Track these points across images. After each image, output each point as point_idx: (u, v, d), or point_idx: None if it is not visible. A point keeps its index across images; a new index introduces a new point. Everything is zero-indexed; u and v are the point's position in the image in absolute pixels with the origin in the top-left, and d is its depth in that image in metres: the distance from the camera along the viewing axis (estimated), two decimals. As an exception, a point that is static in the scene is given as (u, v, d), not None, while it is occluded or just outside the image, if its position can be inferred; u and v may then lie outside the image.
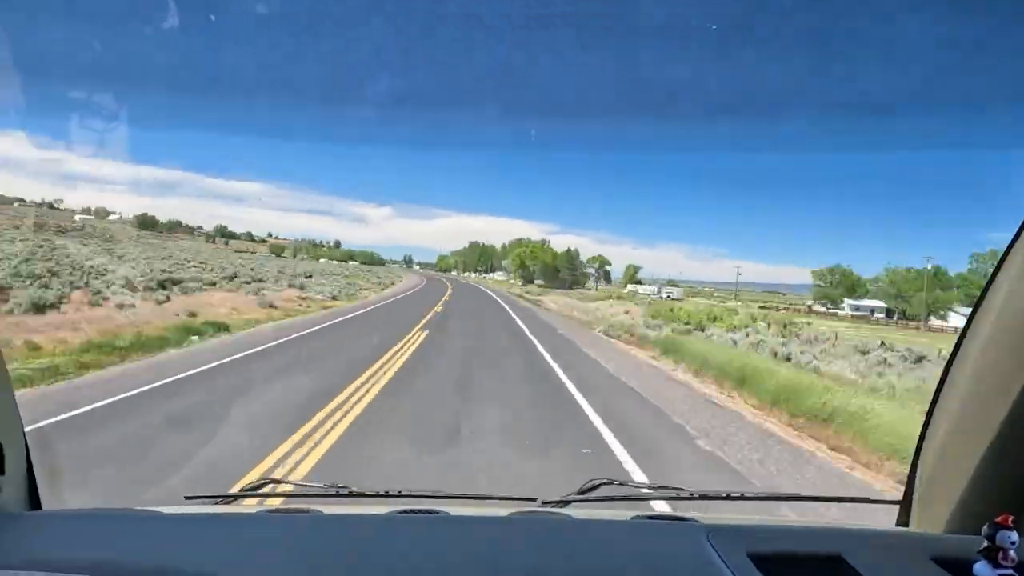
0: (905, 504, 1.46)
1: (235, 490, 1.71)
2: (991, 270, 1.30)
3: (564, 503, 1.61)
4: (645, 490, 1.74)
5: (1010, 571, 1.00)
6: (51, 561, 1.04)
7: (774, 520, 1.50)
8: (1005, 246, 1.29)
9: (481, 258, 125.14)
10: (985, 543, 1.02)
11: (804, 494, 1.74)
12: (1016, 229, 1.25)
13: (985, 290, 1.31)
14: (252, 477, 4.59)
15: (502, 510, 1.50)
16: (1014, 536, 1.00)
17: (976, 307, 1.32)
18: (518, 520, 1.41)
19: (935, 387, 1.41)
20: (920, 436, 1.43)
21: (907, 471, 1.47)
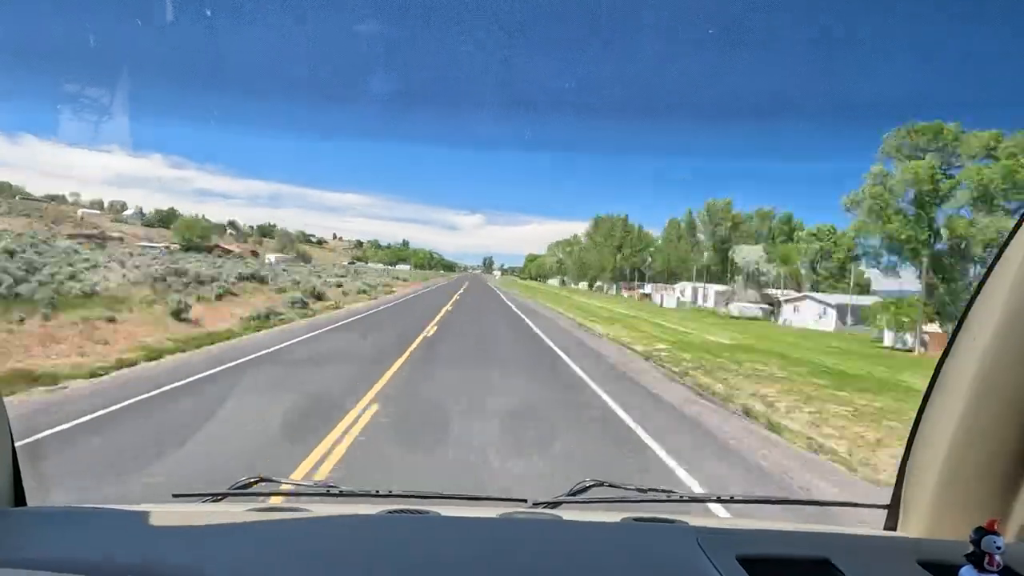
0: (893, 508, 1.47)
1: (224, 489, 1.69)
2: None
3: (555, 504, 1.61)
4: (635, 492, 1.74)
5: (996, 575, 1.01)
6: (35, 559, 1.03)
7: (763, 523, 1.51)
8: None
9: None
10: (971, 548, 1.03)
11: (794, 498, 1.75)
12: (1008, 232, 1.26)
13: (974, 296, 1.32)
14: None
15: (493, 511, 1.50)
16: (1000, 541, 1.00)
17: (966, 312, 1.33)
18: (508, 521, 1.41)
19: (923, 392, 1.42)
20: (908, 440, 1.44)
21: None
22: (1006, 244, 1.26)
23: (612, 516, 1.51)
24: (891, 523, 1.47)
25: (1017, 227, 1.24)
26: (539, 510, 1.56)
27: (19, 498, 1.35)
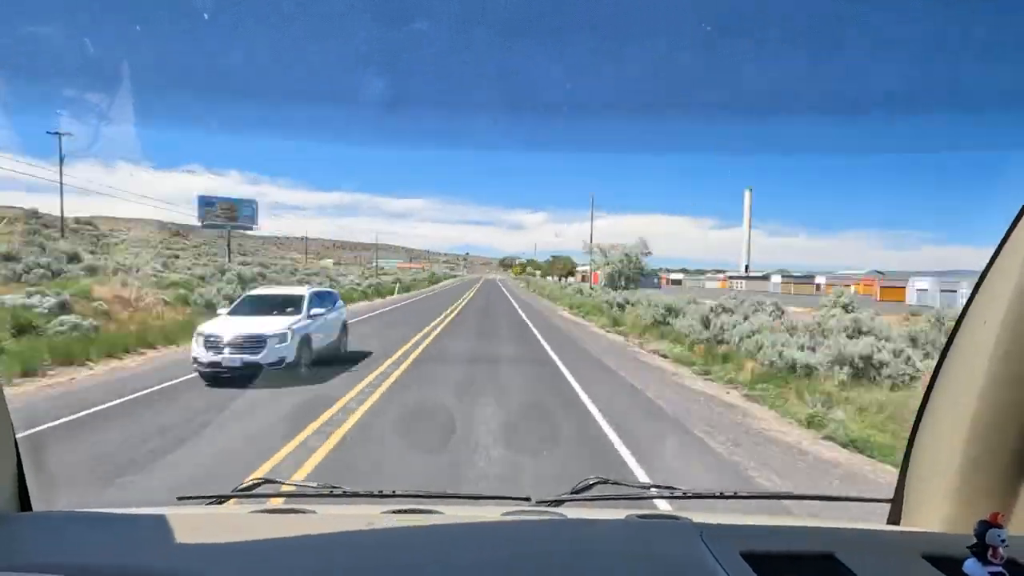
0: (896, 502, 1.47)
1: (228, 491, 1.70)
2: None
3: (558, 503, 1.61)
4: (638, 489, 1.74)
5: (999, 568, 1.00)
6: (40, 564, 1.04)
7: (767, 519, 1.51)
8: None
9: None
10: (975, 540, 1.03)
11: (797, 493, 1.75)
12: (1008, 225, 1.25)
13: (976, 288, 1.32)
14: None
15: (496, 510, 1.50)
16: (1003, 534, 1.00)
17: (968, 304, 1.33)
18: (512, 520, 1.41)
19: (926, 386, 1.42)
20: (911, 434, 1.44)
21: None
22: (1009, 233, 1.26)
23: (615, 513, 1.52)
24: (895, 517, 1.47)
25: (1019, 217, 1.24)
26: (542, 508, 1.56)
27: (24, 503, 1.35)
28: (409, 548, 1.19)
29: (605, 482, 1.69)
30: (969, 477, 1.27)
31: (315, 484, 1.70)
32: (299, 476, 5.21)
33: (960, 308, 1.37)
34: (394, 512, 1.44)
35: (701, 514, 1.49)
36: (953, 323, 1.38)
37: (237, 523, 1.37)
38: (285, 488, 1.79)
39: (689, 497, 1.66)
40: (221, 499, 1.66)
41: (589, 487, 1.66)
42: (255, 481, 1.71)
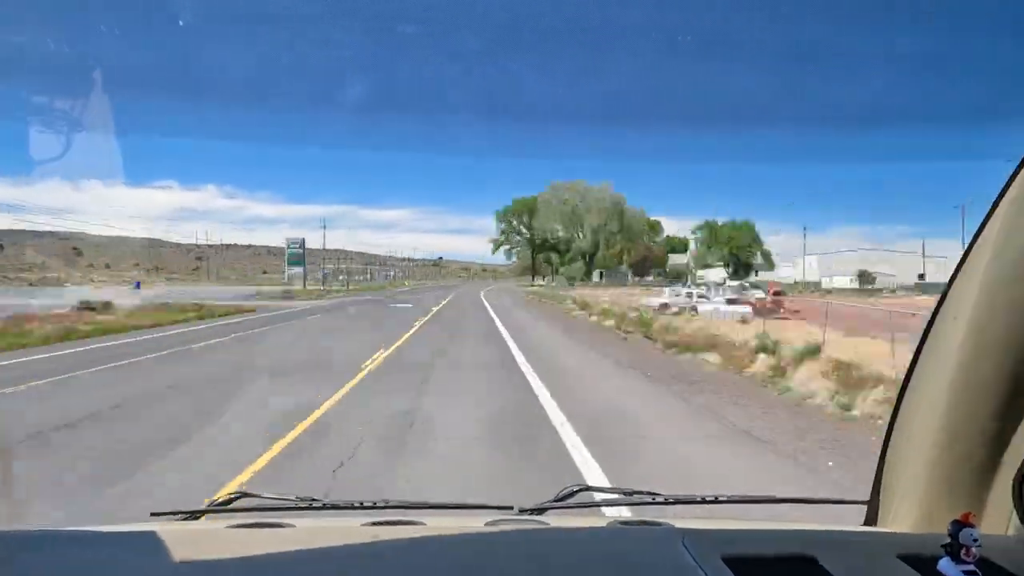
0: (872, 503, 1.49)
1: (203, 506, 1.66)
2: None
3: (541, 511, 1.60)
4: (620, 496, 1.75)
5: (972, 567, 1.03)
6: None
7: (747, 523, 1.52)
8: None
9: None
10: (949, 540, 1.05)
11: (777, 496, 1.77)
12: (981, 219, 1.27)
13: (948, 285, 1.34)
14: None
15: (479, 519, 1.49)
16: (976, 533, 1.03)
17: (940, 302, 1.35)
18: (495, 529, 1.40)
19: (899, 386, 1.45)
20: (886, 434, 1.47)
21: None
22: (980, 231, 1.28)
23: (598, 520, 1.52)
24: (871, 518, 1.49)
25: (989, 214, 1.26)
26: (525, 517, 1.56)
27: None
28: (391, 560, 1.17)
29: (587, 489, 1.69)
30: (942, 477, 1.30)
31: (293, 497, 1.67)
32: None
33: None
34: (375, 524, 1.42)
35: (681, 519, 1.49)
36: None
37: (213, 539, 1.34)
38: (262, 502, 1.76)
39: (670, 503, 1.67)
40: (196, 514, 1.62)
41: (572, 495, 1.66)
42: (231, 495, 1.67)
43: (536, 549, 1.24)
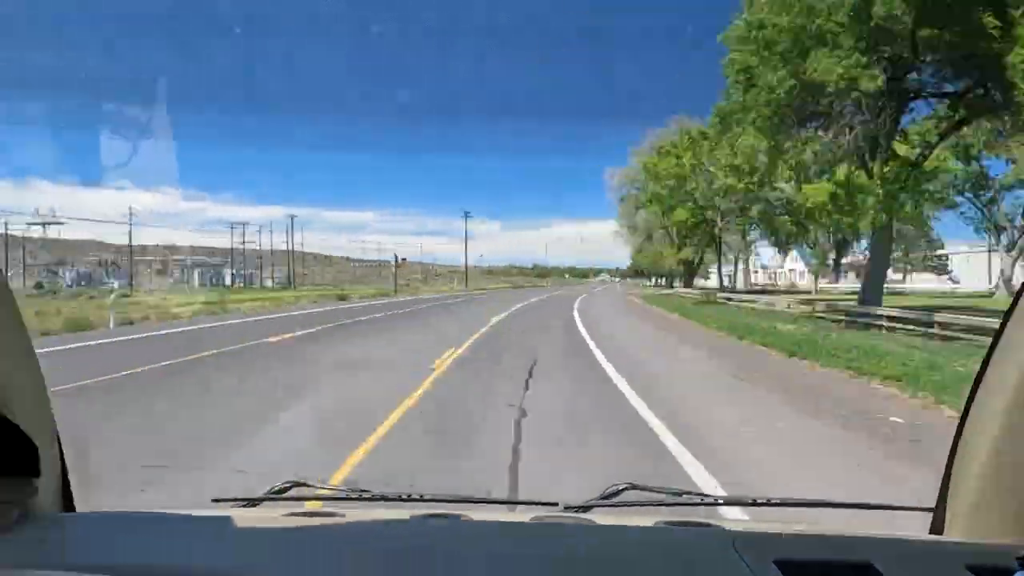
0: (939, 511, 1.42)
1: (261, 494, 1.73)
2: None
3: (586, 508, 1.60)
4: (669, 495, 1.72)
5: None
6: (83, 564, 1.07)
7: (801, 527, 1.47)
8: None
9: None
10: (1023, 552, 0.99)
11: (833, 501, 1.70)
12: None
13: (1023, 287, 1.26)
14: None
15: (524, 515, 1.50)
16: None
17: (1015, 302, 1.27)
18: (540, 525, 1.41)
19: (970, 387, 1.37)
20: (954, 440, 1.39)
21: None
22: None
23: (645, 520, 1.50)
24: (937, 526, 1.42)
25: None
26: (570, 514, 1.55)
27: (67, 503, 1.39)
28: (436, 552, 1.20)
29: (635, 487, 1.67)
30: (1014, 485, 1.22)
31: (346, 488, 1.72)
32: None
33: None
34: (422, 516, 1.45)
35: (732, 521, 1.46)
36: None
37: (269, 526, 1.40)
38: (316, 491, 1.82)
39: (720, 504, 1.63)
40: (254, 501, 1.69)
41: (618, 492, 1.65)
42: (287, 484, 1.74)
43: (582, 546, 1.24)
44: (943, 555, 1.18)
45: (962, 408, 1.37)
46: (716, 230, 45.20)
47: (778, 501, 1.62)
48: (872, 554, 1.13)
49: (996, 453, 1.24)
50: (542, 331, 19.18)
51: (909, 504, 1.60)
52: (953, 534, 1.35)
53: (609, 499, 1.63)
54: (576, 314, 27.54)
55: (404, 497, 1.66)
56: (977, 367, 1.33)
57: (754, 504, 1.63)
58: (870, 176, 18.99)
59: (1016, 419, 1.21)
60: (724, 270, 64.20)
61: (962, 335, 14.36)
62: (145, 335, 17.68)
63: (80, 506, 1.43)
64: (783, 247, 49.99)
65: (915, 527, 1.52)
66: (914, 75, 18.46)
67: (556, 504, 1.60)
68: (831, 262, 57.80)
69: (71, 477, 1.41)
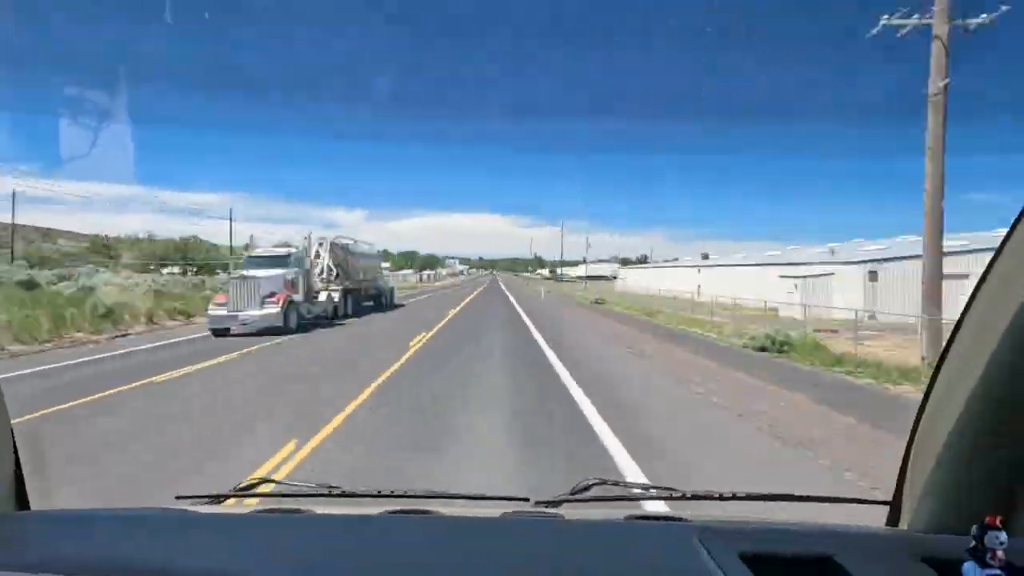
0: (895, 504, 1.46)
1: (227, 490, 1.70)
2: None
3: (556, 503, 1.61)
4: (637, 490, 1.74)
5: (998, 571, 1.00)
6: (39, 563, 1.03)
7: (765, 520, 1.50)
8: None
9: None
10: (974, 543, 1.03)
11: (796, 494, 1.74)
12: (1016, 215, 1.23)
13: (980, 282, 1.30)
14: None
15: (494, 510, 1.50)
16: (1003, 536, 1.00)
17: (971, 300, 1.31)
18: (510, 521, 1.41)
19: (926, 384, 1.41)
20: (911, 434, 1.43)
21: None
22: (1009, 234, 1.24)
23: (614, 514, 1.51)
24: (893, 519, 1.47)
25: (1019, 219, 1.23)
26: (540, 509, 1.56)
27: (22, 501, 1.35)
28: (407, 547, 1.19)
29: (604, 483, 1.69)
30: (968, 479, 1.27)
31: (313, 484, 1.70)
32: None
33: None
34: (391, 512, 1.44)
35: (698, 515, 1.48)
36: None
37: (235, 522, 1.37)
38: (283, 488, 1.79)
39: (688, 498, 1.66)
40: (219, 498, 1.66)
41: (588, 488, 1.66)
42: (253, 481, 1.71)
43: (551, 541, 1.24)
44: (898, 546, 1.22)
45: (919, 404, 1.42)
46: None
47: (743, 495, 1.66)
48: (832, 546, 1.16)
49: (950, 448, 1.29)
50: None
51: (868, 498, 1.66)
52: (909, 526, 1.40)
53: (578, 494, 1.64)
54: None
55: (373, 493, 1.65)
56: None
57: (720, 498, 1.67)
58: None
59: (969, 416, 1.25)
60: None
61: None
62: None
63: (37, 504, 1.39)
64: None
65: (875, 518, 1.57)
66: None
67: (527, 499, 1.61)
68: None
69: (26, 475, 1.36)
